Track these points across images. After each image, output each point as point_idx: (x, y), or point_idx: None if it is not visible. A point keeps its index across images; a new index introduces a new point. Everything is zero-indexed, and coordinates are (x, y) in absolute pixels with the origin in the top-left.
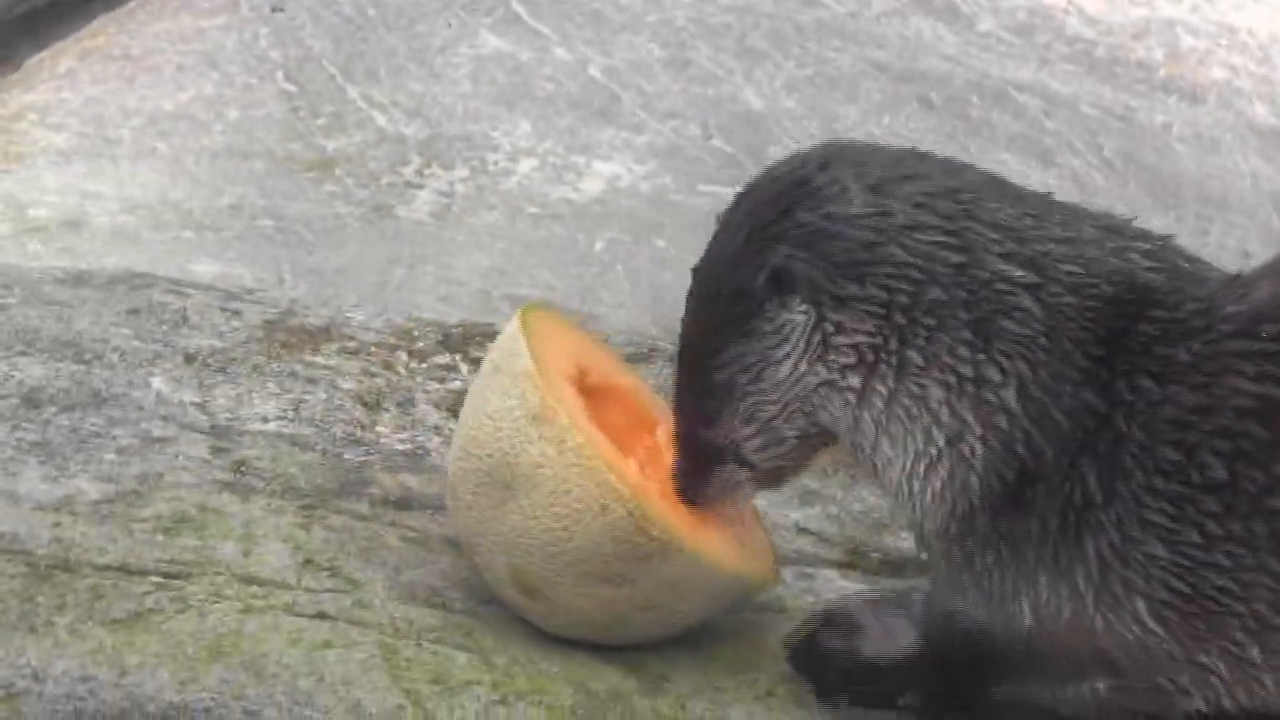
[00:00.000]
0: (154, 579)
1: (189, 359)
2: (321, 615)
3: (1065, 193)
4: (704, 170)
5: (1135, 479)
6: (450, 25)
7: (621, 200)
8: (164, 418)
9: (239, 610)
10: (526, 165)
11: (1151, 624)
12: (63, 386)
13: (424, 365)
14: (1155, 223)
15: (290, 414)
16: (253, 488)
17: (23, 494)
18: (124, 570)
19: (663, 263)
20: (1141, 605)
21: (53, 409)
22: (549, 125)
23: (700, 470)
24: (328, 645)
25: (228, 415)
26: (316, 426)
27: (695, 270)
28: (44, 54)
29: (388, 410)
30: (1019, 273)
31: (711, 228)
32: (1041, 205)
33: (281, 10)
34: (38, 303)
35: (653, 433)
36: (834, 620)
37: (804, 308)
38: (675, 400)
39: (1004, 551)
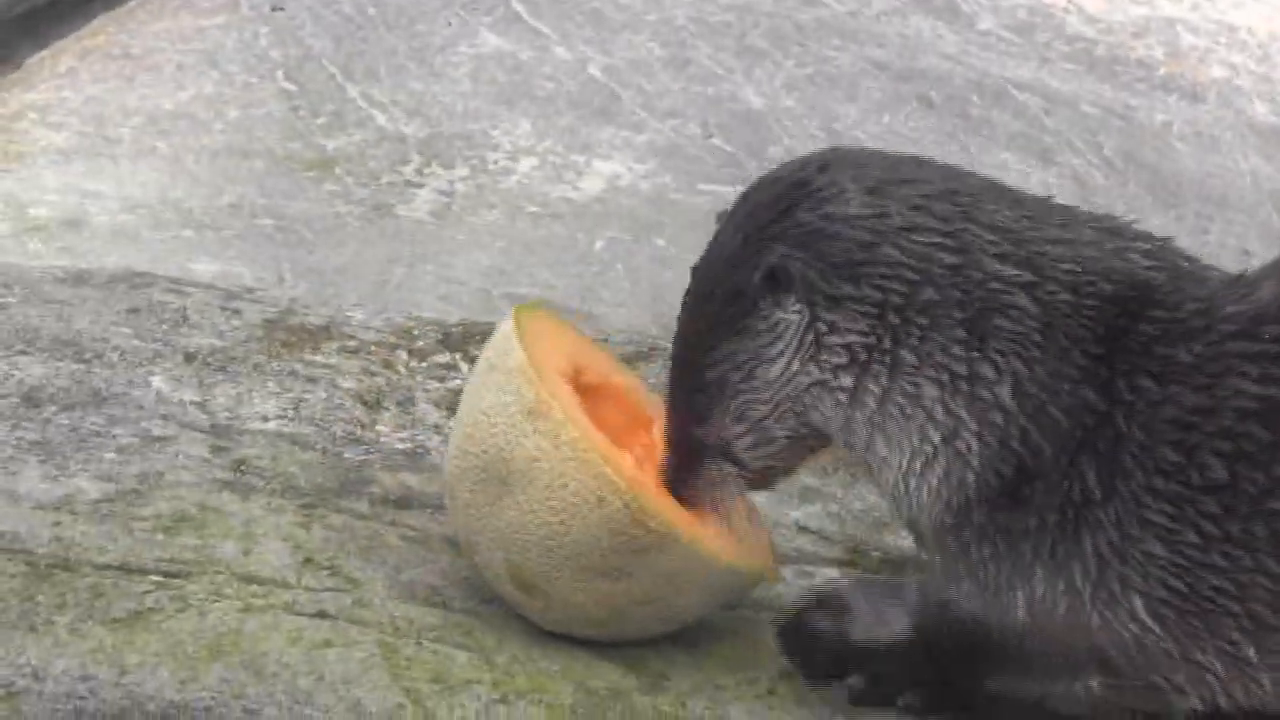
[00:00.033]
0: (154, 578)
1: (189, 358)
2: (321, 614)
3: (1065, 191)
4: (704, 169)
5: (1135, 478)
6: (450, 24)
7: (621, 199)
8: (164, 417)
9: (239, 609)
10: (526, 164)
11: (1149, 622)
12: (63, 385)
13: (424, 364)
14: (1155, 221)
15: (290, 413)
16: (253, 487)
17: (23, 493)
18: (124, 569)
19: (663, 262)
20: (1139, 603)
21: (53, 408)
22: (549, 124)
23: (690, 466)
24: (328, 644)
25: (228, 414)
26: (316, 425)
27: (695, 268)
28: (44, 53)
29: (388, 409)
30: (1014, 272)
31: (711, 227)
32: (1041, 208)
33: (281, 9)
34: (38, 302)
35: (649, 431)
36: (824, 602)
37: (798, 307)
38: (668, 396)
39: (1000, 544)
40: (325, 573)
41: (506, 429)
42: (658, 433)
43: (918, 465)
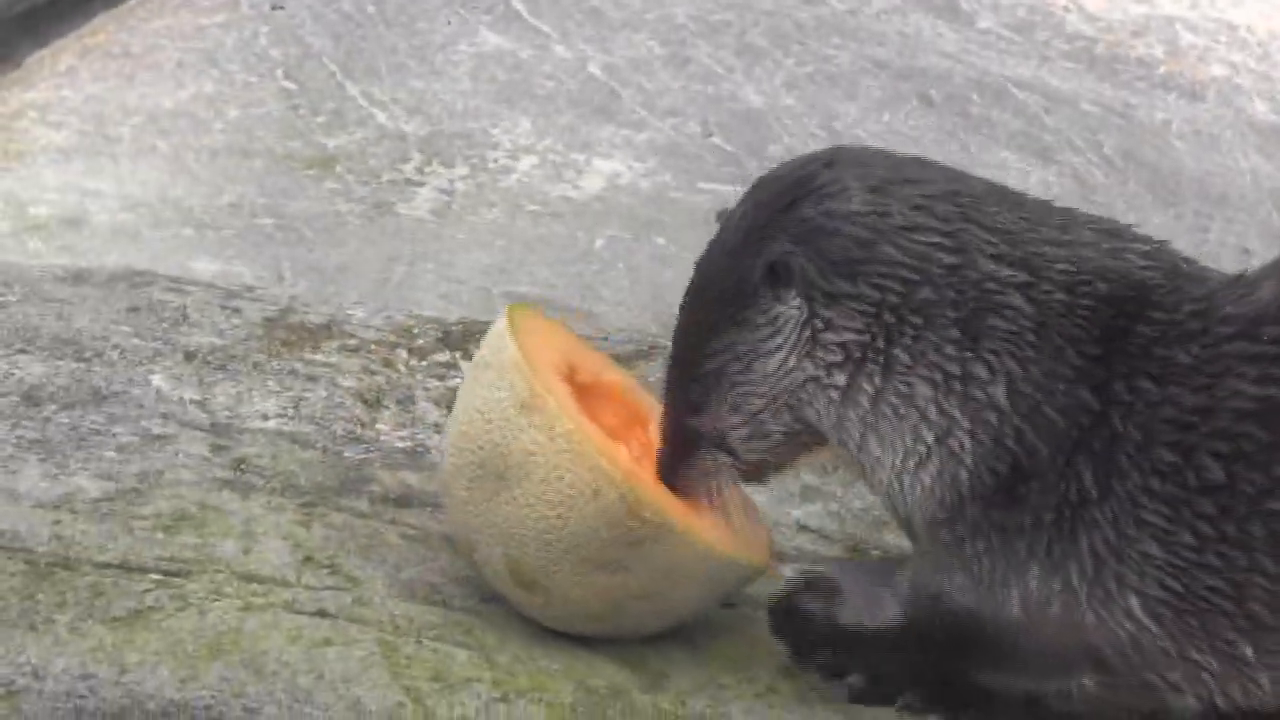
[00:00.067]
0: (154, 577)
1: (189, 356)
2: (321, 613)
3: (1065, 190)
4: (704, 168)
5: (1131, 479)
6: (450, 23)
7: (621, 198)
8: (164, 415)
9: (239, 608)
10: (527, 163)
11: (1145, 620)
12: (63, 384)
13: (424, 363)
14: (1155, 220)
15: (290, 411)
16: (253, 485)
17: (23, 492)
18: (124, 568)
19: (663, 260)
20: (1135, 602)
21: (53, 407)
22: (549, 123)
23: (684, 456)
24: (328, 643)
25: (228, 413)
26: (316, 424)
27: (699, 260)
28: (44, 52)
29: (388, 408)
30: (1009, 272)
31: (711, 225)
32: (1041, 210)
33: (281, 8)
34: (38, 300)
35: (645, 429)
36: (815, 584)
37: (797, 302)
38: (665, 384)
39: (995, 540)
40: (325, 571)
41: (502, 424)
42: (653, 430)
43: (911, 464)
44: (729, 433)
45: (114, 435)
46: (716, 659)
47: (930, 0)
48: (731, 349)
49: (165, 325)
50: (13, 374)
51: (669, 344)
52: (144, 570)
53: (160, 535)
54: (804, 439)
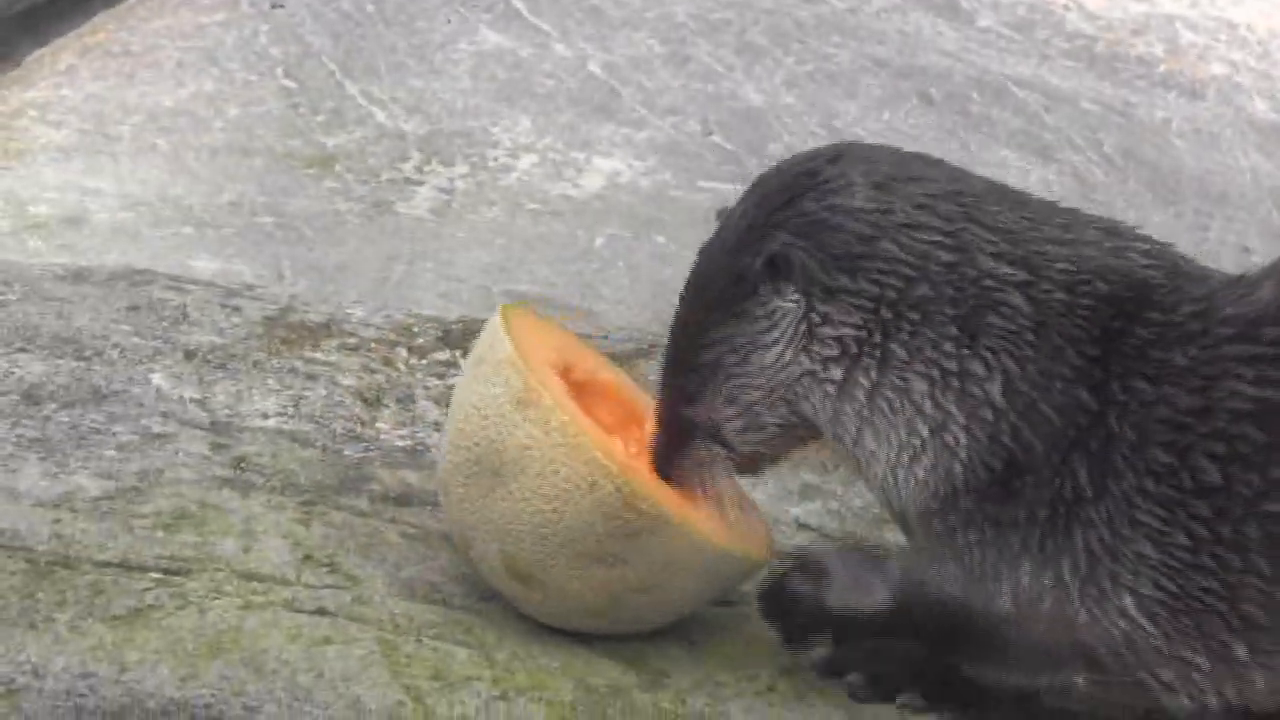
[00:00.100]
0: (154, 575)
1: (189, 355)
2: (321, 611)
3: (1065, 188)
4: (704, 166)
5: (1127, 479)
6: (450, 21)
7: (622, 196)
8: (164, 414)
9: (239, 606)
10: (526, 161)
11: (1140, 619)
12: (63, 383)
13: (424, 361)
14: (1155, 218)
15: (290, 410)
16: (253, 484)
17: (23, 490)
18: (124, 566)
19: (663, 259)
20: (1130, 601)
21: (53, 405)
22: (549, 121)
23: (678, 446)
24: (327, 641)
25: (228, 411)
26: (316, 423)
27: (701, 249)
28: (44, 51)
29: (387, 406)
30: (1008, 270)
31: (711, 224)
32: (1044, 210)
33: (281, 7)
34: (38, 299)
35: (640, 427)
36: (805, 566)
37: (796, 296)
38: (661, 374)
39: (988, 532)
40: (325, 570)
41: (497, 420)
42: (649, 428)
43: (905, 458)
44: (723, 424)
45: (114, 434)
46: (716, 657)
47: None
48: (729, 341)
49: (165, 324)
50: (13, 373)
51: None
52: (144, 569)
53: (160, 534)
54: (799, 432)
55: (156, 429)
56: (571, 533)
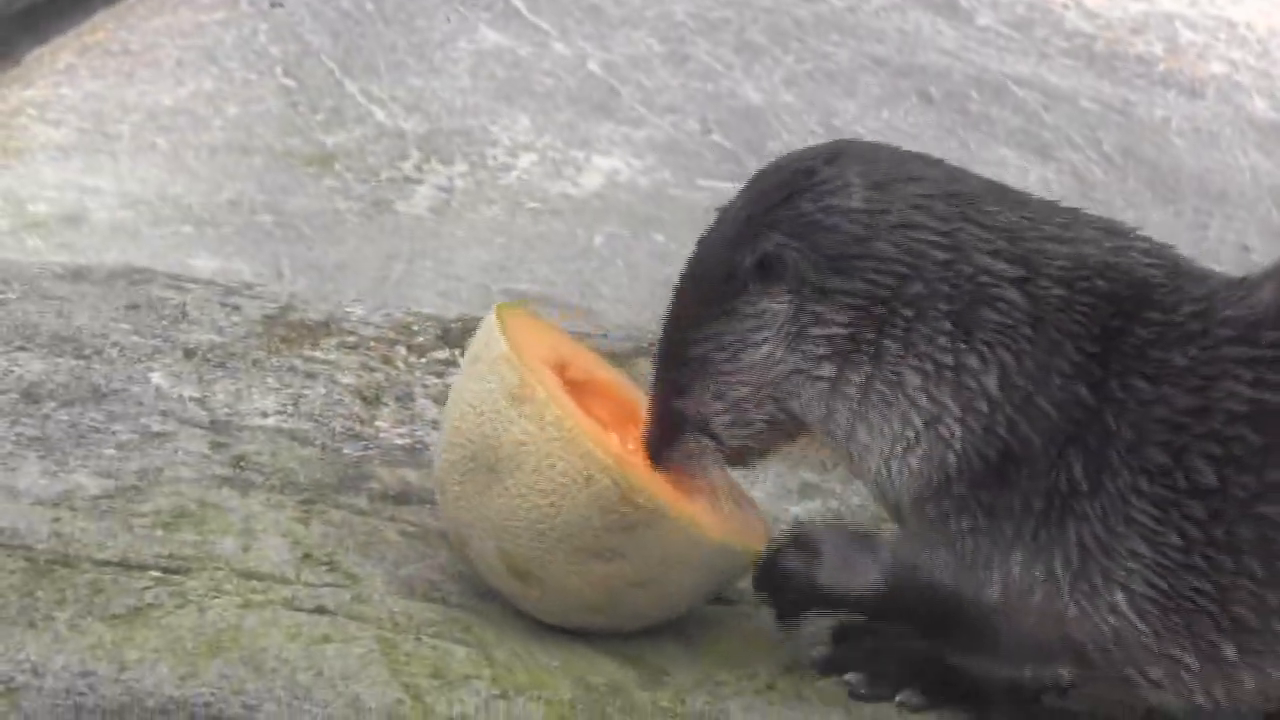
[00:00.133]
0: (153, 574)
1: (188, 354)
2: (321, 610)
3: (1064, 187)
4: (703, 165)
5: (1122, 477)
6: (449, 20)
7: (620, 195)
8: (163, 413)
9: (238, 605)
10: (526, 160)
11: (1131, 616)
12: (62, 381)
13: (423, 360)
14: (1154, 217)
15: (289, 409)
16: (252, 483)
17: (22, 489)
18: (123, 565)
19: (662, 257)
20: (1120, 597)
21: (52, 404)
22: (548, 120)
23: (669, 435)
24: (327, 640)
25: (227, 410)
26: (316, 421)
27: (699, 241)
28: (43, 49)
29: (387, 405)
30: (1005, 267)
31: (710, 222)
32: (1044, 209)
33: (280, 5)
34: (37, 298)
35: (637, 425)
36: (798, 542)
37: (786, 297)
38: (654, 364)
39: (981, 519)
40: (324, 568)
41: (492, 416)
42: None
43: (899, 450)
44: (712, 418)
45: (113, 432)
46: (715, 656)
47: None
48: (718, 338)
49: (164, 322)
50: (12, 371)
51: None
52: (143, 567)
53: (159, 532)
54: (787, 428)
55: (156, 427)
56: (569, 527)
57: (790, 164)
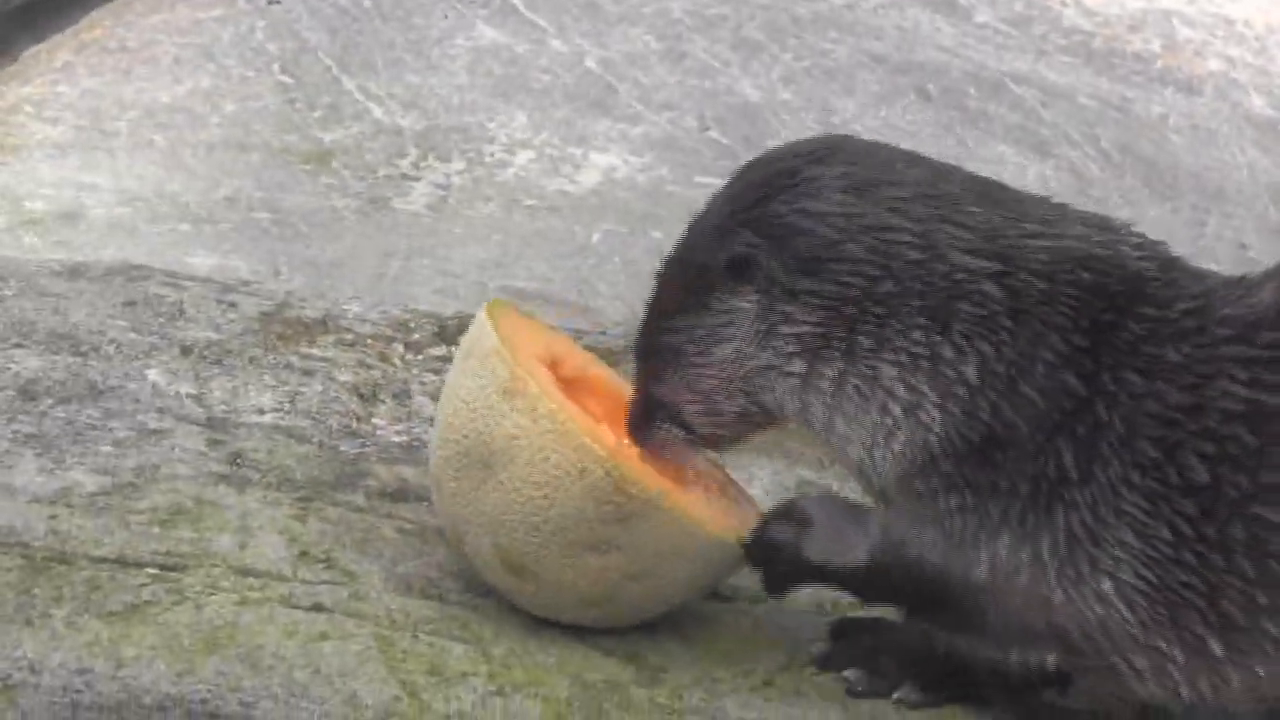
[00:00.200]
0: (150, 571)
1: (185, 351)
2: (318, 607)
3: (1062, 183)
4: (700, 162)
5: (1113, 467)
6: (446, 17)
7: (618, 192)
8: (160, 410)
9: (235, 602)
10: (523, 157)
11: (1118, 604)
12: (59, 379)
13: (420, 357)
14: (1151, 214)
15: (286, 406)
16: (249, 480)
17: (19, 486)
18: (120, 562)
19: (659, 254)
20: (1108, 585)
21: (49, 401)
22: (545, 117)
23: (648, 418)
24: (324, 637)
25: (224, 407)
26: (313, 418)
27: (683, 233)
28: (41, 47)
29: (384, 402)
30: (981, 264)
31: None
32: (1029, 205)
33: (278, 3)
34: (34, 295)
35: None
36: (789, 514)
37: (755, 297)
38: (635, 348)
39: (968, 498)
40: (321, 566)
41: (485, 411)
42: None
43: (880, 438)
44: (684, 407)
45: (110, 430)
46: (712, 653)
47: None
48: (690, 331)
49: (161, 320)
50: (9, 368)
51: None
52: (140, 565)
53: (156, 530)
54: (758, 419)
55: (153, 425)
56: (563, 520)
57: (776, 160)
